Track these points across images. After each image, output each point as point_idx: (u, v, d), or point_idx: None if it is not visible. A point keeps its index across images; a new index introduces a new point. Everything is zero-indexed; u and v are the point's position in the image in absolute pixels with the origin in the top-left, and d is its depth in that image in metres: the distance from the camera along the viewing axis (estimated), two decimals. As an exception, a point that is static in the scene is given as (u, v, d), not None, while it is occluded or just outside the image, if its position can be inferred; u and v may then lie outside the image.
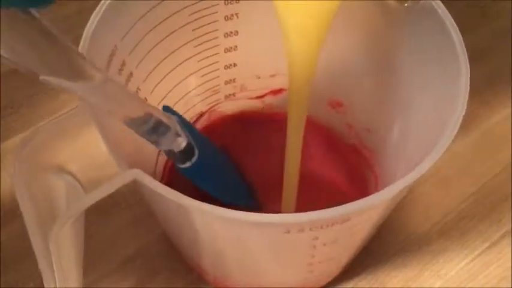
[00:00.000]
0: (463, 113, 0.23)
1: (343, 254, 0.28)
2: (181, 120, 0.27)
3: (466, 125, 0.23)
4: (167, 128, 0.24)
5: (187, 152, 0.26)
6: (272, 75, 0.35)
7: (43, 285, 0.25)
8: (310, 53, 0.25)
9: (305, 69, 0.25)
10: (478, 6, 0.43)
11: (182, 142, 0.26)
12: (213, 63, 0.33)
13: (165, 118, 0.24)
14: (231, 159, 0.33)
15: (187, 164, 0.27)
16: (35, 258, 0.25)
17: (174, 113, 0.27)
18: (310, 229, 0.22)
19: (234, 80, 0.35)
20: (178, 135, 0.25)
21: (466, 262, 0.34)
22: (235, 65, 0.34)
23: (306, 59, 0.25)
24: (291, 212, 0.31)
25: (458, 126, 0.23)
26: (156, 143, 0.25)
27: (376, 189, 0.32)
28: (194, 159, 0.26)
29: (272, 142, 0.34)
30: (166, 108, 0.28)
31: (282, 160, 0.29)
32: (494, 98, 0.40)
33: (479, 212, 0.36)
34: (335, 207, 0.21)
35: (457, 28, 0.25)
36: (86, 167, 0.23)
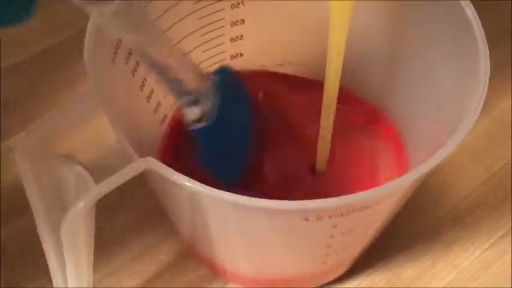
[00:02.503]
0: (484, 97, 0.23)
1: (359, 244, 0.28)
2: (226, 81, 0.27)
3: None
4: (186, 93, 0.25)
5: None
6: (279, 65, 0.34)
7: (46, 284, 0.24)
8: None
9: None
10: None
11: (195, 113, 0.26)
12: (219, 53, 0.32)
13: (192, 81, 0.24)
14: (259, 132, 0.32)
15: (193, 125, 0.26)
16: (37, 257, 0.24)
17: (228, 74, 0.28)
18: (330, 217, 0.22)
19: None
20: (195, 103, 0.25)
21: (480, 252, 0.34)
22: (241, 54, 0.33)
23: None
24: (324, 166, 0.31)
25: (479, 111, 0.23)
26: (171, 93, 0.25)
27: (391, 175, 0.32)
28: (201, 125, 0.26)
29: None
30: (223, 70, 0.28)
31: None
32: (504, 85, 0.39)
33: (492, 200, 0.35)
34: (354, 194, 0.20)
35: (474, 10, 0.25)
36: (96, 156, 0.23)
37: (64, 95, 0.38)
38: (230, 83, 0.28)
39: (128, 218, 0.34)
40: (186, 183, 0.20)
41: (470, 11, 0.25)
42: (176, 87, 0.25)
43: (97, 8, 0.20)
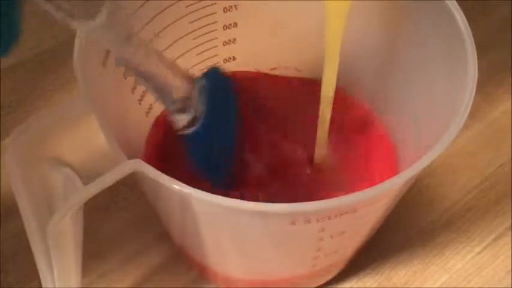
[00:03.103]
0: (470, 103, 0.23)
1: (349, 247, 0.28)
2: (215, 82, 0.27)
3: (469, 117, 0.23)
4: (174, 101, 0.25)
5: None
6: (272, 68, 0.34)
7: (41, 285, 0.24)
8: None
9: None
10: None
11: (183, 120, 0.26)
12: (212, 56, 0.32)
13: (179, 89, 0.24)
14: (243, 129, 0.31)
15: (182, 131, 0.26)
16: (32, 259, 0.24)
17: (216, 75, 0.28)
18: (317, 220, 0.22)
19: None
20: (183, 110, 0.25)
21: (473, 255, 0.34)
22: (234, 58, 0.33)
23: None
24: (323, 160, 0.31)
25: (466, 116, 0.23)
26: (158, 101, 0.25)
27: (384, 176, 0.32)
28: (191, 130, 0.26)
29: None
30: (211, 71, 0.28)
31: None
32: (497, 90, 0.39)
33: (484, 203, 0.35)
34: (342, 197, 0.20)
35: (464, 16, 0.25)
36: (85, 158, 0.23)
37: (59, 98, 0.39)
38: (219, 85, 0.28)
39: (119, 220, 0.34)
40: (173, 185, 0.20)
41: (460, 18, 0.25)
42: (163, 95, 0.24)
43: (81, 24, 0.20)
